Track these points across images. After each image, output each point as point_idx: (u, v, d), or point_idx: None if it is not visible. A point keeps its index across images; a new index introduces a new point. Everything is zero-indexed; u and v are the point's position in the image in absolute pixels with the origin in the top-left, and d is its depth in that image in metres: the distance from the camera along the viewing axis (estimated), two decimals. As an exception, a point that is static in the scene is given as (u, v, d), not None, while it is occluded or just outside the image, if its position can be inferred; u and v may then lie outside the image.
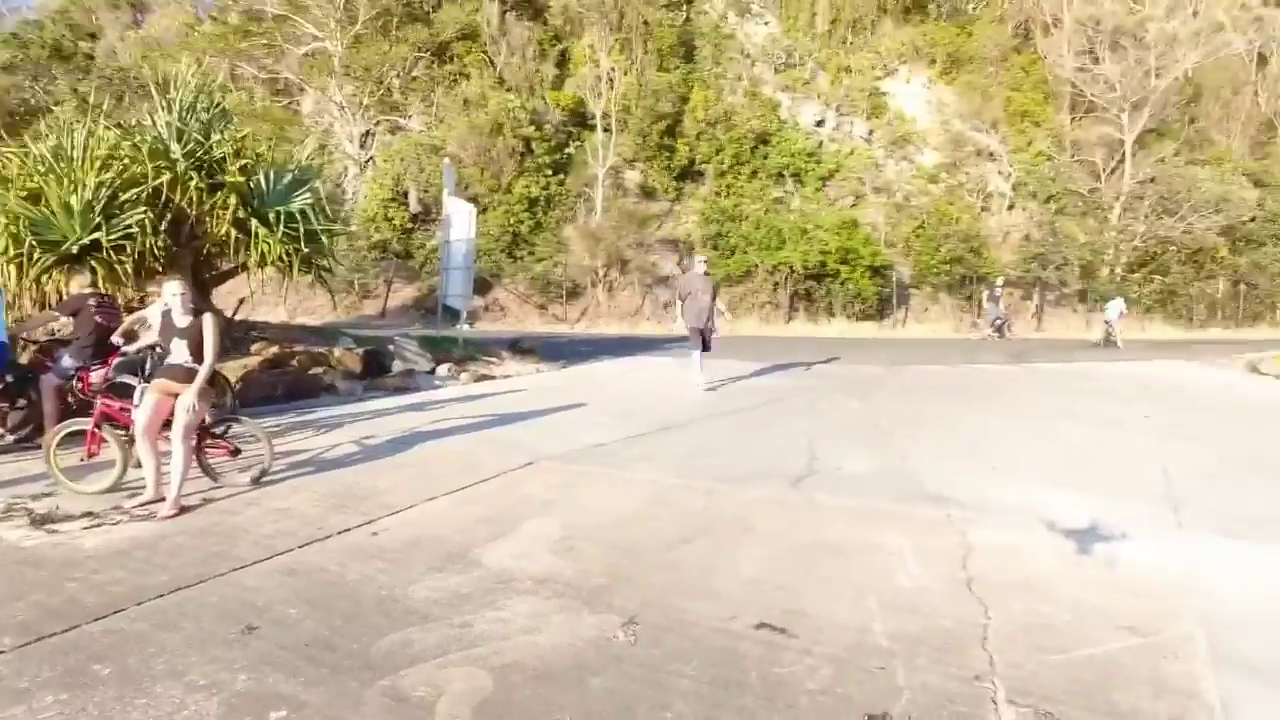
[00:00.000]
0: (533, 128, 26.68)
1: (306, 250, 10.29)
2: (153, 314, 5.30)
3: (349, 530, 4.54)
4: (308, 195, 10.45)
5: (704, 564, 4.04)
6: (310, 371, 10.47)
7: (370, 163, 29.73)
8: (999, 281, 23.05)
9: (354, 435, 7.35)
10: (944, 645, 3.11)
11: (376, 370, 11.38)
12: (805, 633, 3.22)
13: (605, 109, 26.68)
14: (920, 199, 27.03)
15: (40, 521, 4.72)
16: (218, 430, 5.66)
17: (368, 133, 30.39)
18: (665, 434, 7.65)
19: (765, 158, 27.11)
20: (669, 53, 28.43)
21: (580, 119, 28.26)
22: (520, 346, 14.78)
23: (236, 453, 5.69)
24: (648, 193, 28.05)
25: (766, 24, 30.41)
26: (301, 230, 10.01)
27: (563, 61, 29.88)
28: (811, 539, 4.47)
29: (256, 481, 5.54)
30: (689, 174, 27.75)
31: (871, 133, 28.59)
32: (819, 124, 28.59)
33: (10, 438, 7.09)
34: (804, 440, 7.26)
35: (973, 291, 24.98)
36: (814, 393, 10.60)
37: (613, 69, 26.99)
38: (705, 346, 10.57)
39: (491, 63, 29.10)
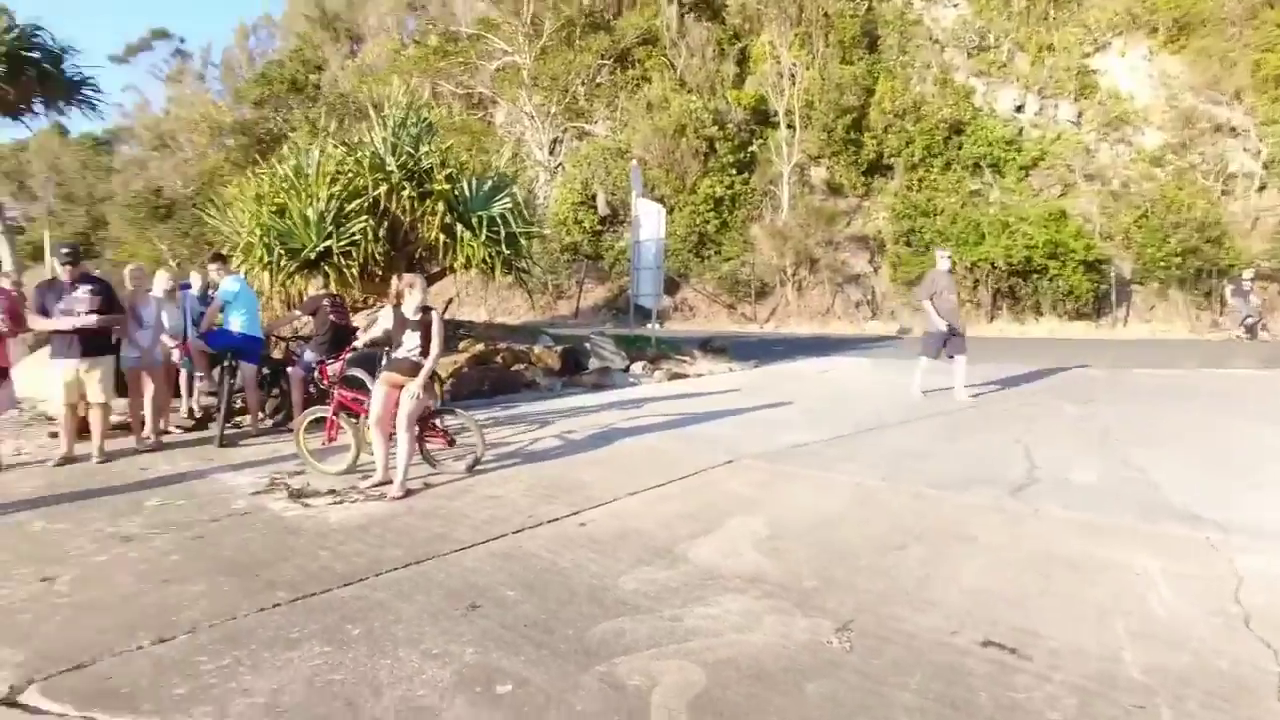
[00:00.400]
0: (715, 127, 26.70)
1: (507, 253, 10.90)
2: (385, 314, 5.82)
3: (558, 520, 4.74)
4: (506, 200, 11.07)
5: (920, 572, 3.84)
6: (513, 368, 11.10)
7: (560, 168, 31.07)
8: (1248, 274, 19.55)
9: (556, 429, 7.70)
10: (1223, 691, 2.69)
11: (574, 367, 11.85)
12: (1040, 655, 2.95)
13: (788, 105, 26.20)
14: (1142, 185, 24.20)
15: (296, 495, 5.36)
16: (437, 421, 6.11)
17: (556, 140, 31.78)
18: (867, 435, 7.39)
19: (959, 148, 25.33)
20: (852, 44, 27.39)
21: (763, 117, 27.94)
22: (712, 346, 14.85)
23: (453, 442, 6.12)
24: (834, 189, 27.22)
25: (956, 6, 28.51)
26: (502, 234, 10.63)
27: (742, 60, 29.66)
28: (1041, 552, 4.11)
29: (471, 470, 5.94)
30: (877, 168, 26.55)
31: (1080, 115, 25.97)
32: (1018, 109, 26.36)
33: (268, 422, 8.09)
34: (1019, 446, 6.72)
35: (1212, 287, 21.81)
36: (1024, 396, 9.84)
37: (794, 64, 26.44)
38: (959, 349, 9.60)
39: (672, 65, 29.47)
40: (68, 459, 6.42)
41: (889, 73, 26.80)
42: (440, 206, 10.52)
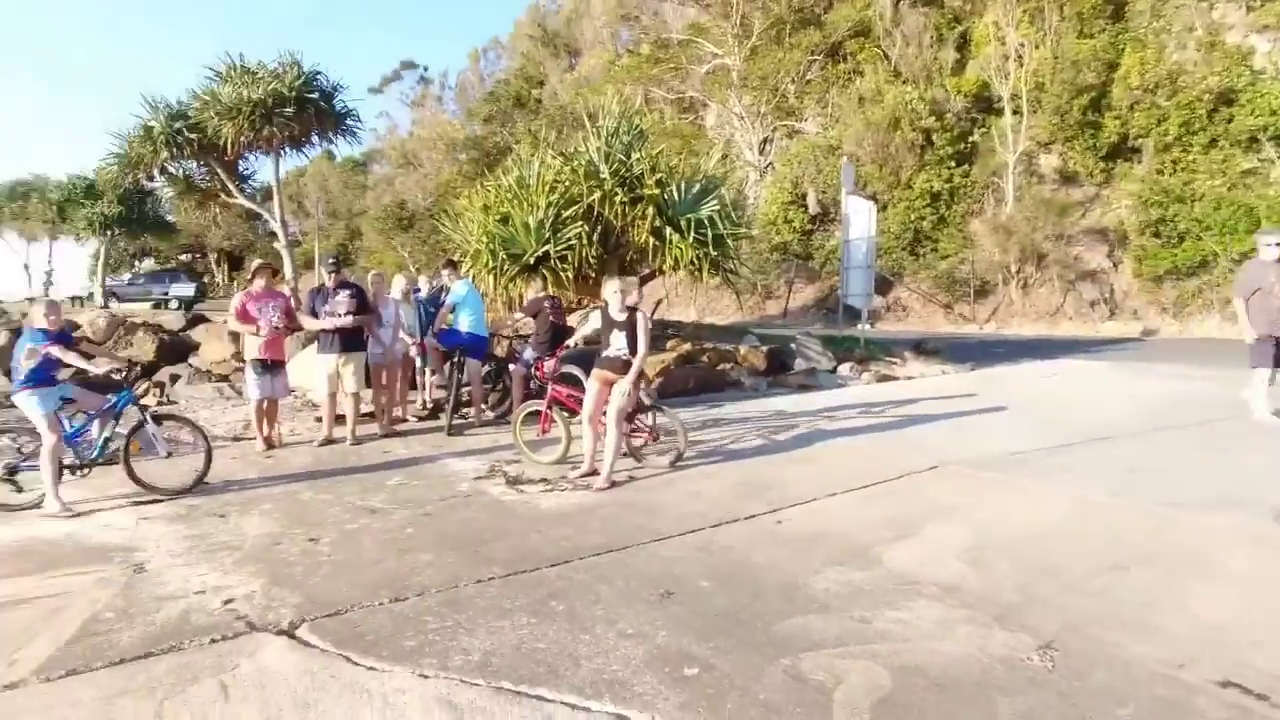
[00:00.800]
0: (932, 118, 25.30)
1: (714, 254, 11.08)
2: (595, 315, 6.17)
3: (755, 516, 4.79)
4: (715, 202, 11.25)
5: (1143, 597, 3.47)
6: (718, 367, 11.26)
7: (769, 168, 30.91)
8: None
9: (758, 429, 7.73)
10: None
11: (779, 368, 11.81)
12: (1297, 705, 2.56)
13: (1014, 89, 24.19)
14: None
15: (512, 482, 5.84)
16: (644, 417, 6.37)
17: (766, 139, 31.66)
18: (1096, 445, 6.71)
19: (1229, 121, 21.79)
20: (1092, 14, 24.67)
21: (985, 104, 26.04)
22: (925, 347, 14.15)
23: (657, 438, 6.36)
24: (1068, 177, 24.73)
25: (1230, -47, 24.82)
26: (710, 235, 10.82)
27: (963, 45, 27.81)
28: (1305, 587, 3.56)
29: (674, 465, 6.14)
30: (1119, 152, 23.64)
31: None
32: (1314, 70, 22.33)
33: (491, 414, 8.82)
34: (1288, 463, 5.84)
35: None
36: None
37: (1021, 44, 24.38)
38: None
39: (886, 56, 28.31)
40: (328, 440, 7.41)
41: (1138, 42, 23.77)
42: (650, 211, 10.90)
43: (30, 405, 5.15)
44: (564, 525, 4.71)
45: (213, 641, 3.13)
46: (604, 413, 5.78)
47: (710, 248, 10.87)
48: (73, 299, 31.35)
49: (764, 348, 12.35)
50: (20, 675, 2.88)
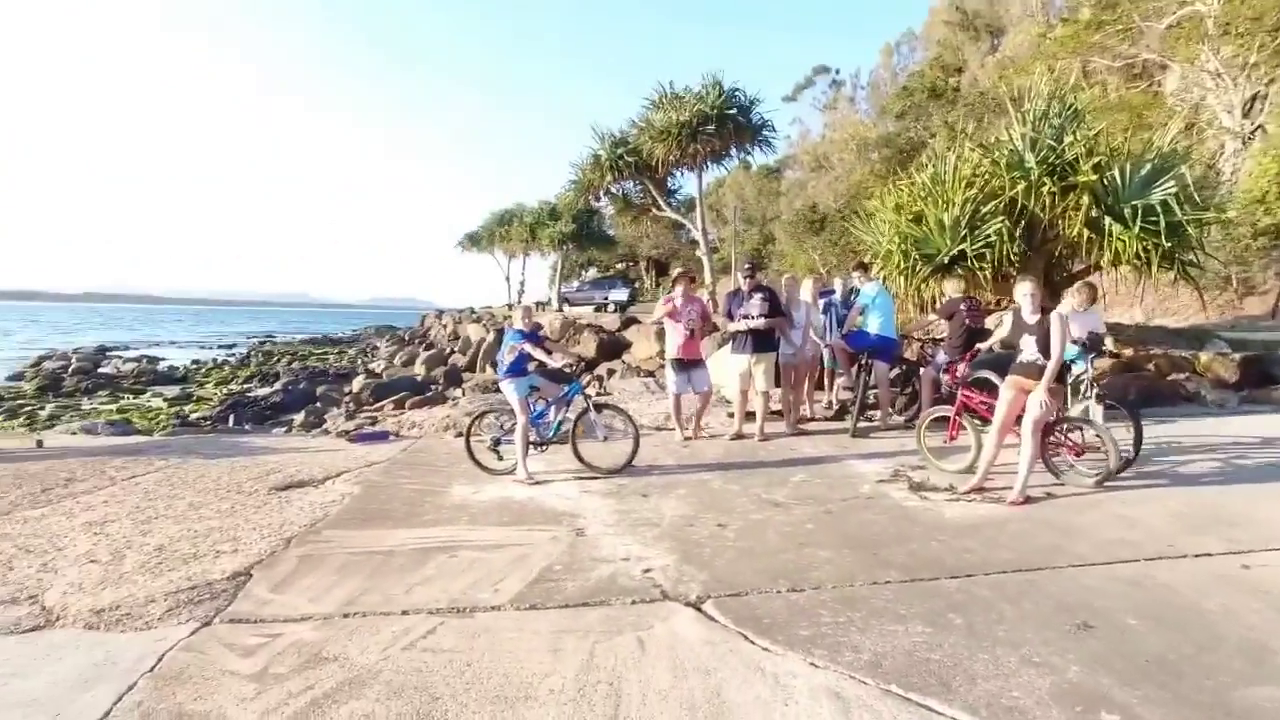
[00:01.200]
0: None
1: (1167, 245, 9.44)
2: (1007, 318, 5.72)
3: (1209, 555, 4.04)
4: (1170, 184, 9.56)
5: None
6: (1169, 377, 9.61)
7: (1257, 132, 25.07)
8: None
9: (1218, 451, 6.48)
10: None
11: (1258, 380, 9.66)
12: None
13: None
14: None
15: (916, 487, 5.70)
16: (1064, 428, 5.72)
17: (1254, 98, 25.70)
18: None
19: None
20: None
21: None
22: None
23: (1082, 453, 5.67)
24: None
25: None
26: (1162, 223, 9.24)
27: None
28: None
29: (1100, 484, 5.42)
30: None
31: None
32: None
33: (898, 418, 8.64)
34: None
35: None
36: None
37: None
38: None
39: None
40: (738, 435, 7.94)
41: None
42: (1085, 200, 9.67)
43: (509, 390, 6.45)
44: (968, 537, 4.47)
45: (633, 603, 3.62)
46: (1018, 422, 5.33)
47: (1162, 237, 9.26)
48: (536, 304, 38.24)
49: (1235, 355, 10.16)
50: (500, 601, 3.66)
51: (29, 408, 20.16)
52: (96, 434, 11.41)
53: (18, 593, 3.96)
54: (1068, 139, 10.04)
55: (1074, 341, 6.91)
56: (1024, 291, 5.43)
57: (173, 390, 24.57)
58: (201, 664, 3.08)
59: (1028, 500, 5.15)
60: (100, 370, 30.68)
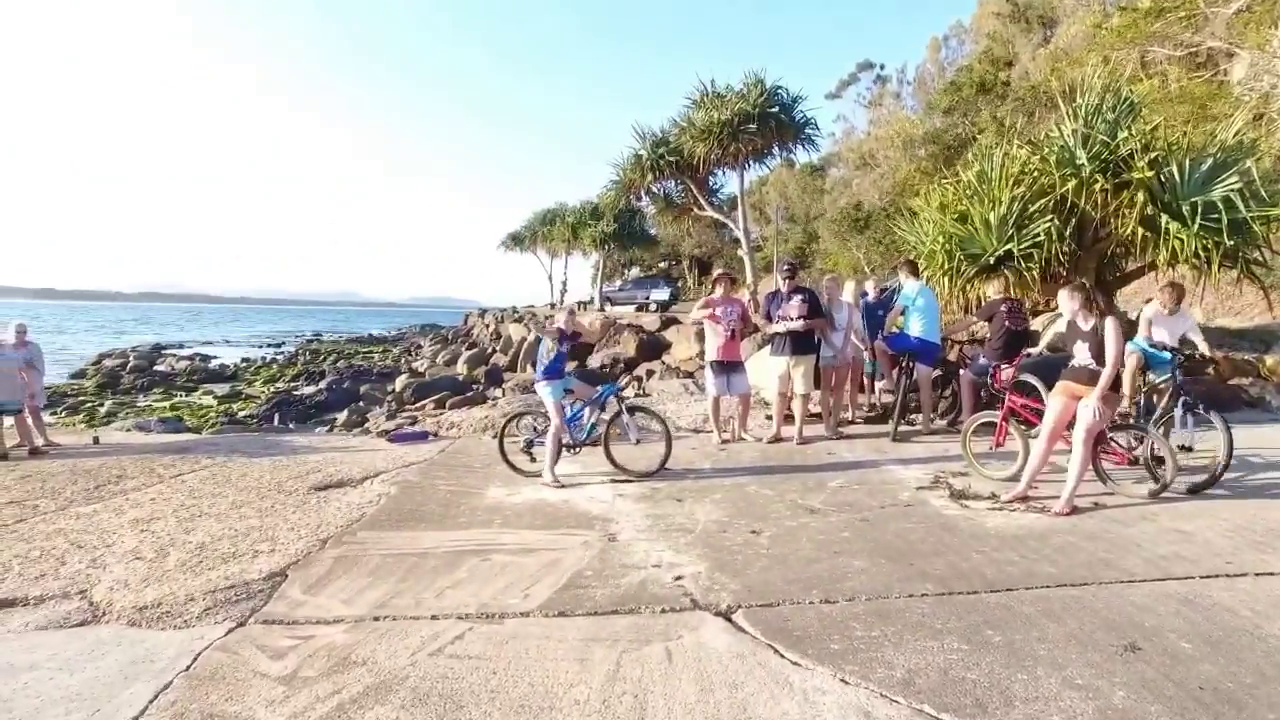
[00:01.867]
0: None
1: (1230, 243, 9.04)
2: (1059, 320, 5.53)
3: (1271, 575, 3.84)
4: (1233, 180, 9.15)
5: None
6: (1230, 381, 9.23)
7: (1339, 121, 23.88)
8: None
9: (1283, 460, 6.18)
10: None
11: (1330, 386, 9.23)
12: None
13: None
14: None
15: (957, 495, 5.55)
16: (1116, 436, 5.51)
17: (1324, 86, 24.55)
18: None
19: None
20: None
21: None
22: None
23: (1134, 462, 5.46)
24: None
25: None
26: (1224, 221, 8.86)
27: None
28: None
29: (1154, 496, 5.22)
30: None
31: None
32: None
33: (940, 422, 8.45)
34: None
35: None
36: None
37: None
38: None
39: None
40: (776, 438, 7.84)
41: None
42: (1140, 197, 9.31)
43: (545, 393, 6.44)
44: (1011, 548, 4.32)
45: (663, 611, 3.57)
46: (1068, 429, 5.15)
47: (1224, 235, 8.87)
48: (579, 304, 38.43)
49: (1306, 358, 9.73)
50: (529, 607, 3.64)
51: (89, 404, 20.84)
52: (149, 431, 11.73)
53: (69, 587, 4.09)
54: (1122, 134, 9.68)
55: (1163, 347, 6.69)
56: (1067, 298, 5.27)
57: (223, 388, 25.21)
58: (234, 665, 3.12)
59: (1074, 511, 4.97)
60: (155, 368, 31.64)
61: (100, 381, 26.35)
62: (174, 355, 39.48)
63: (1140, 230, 9.27)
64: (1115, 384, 5.24)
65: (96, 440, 9.60)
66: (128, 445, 9.04)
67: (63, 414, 18.55)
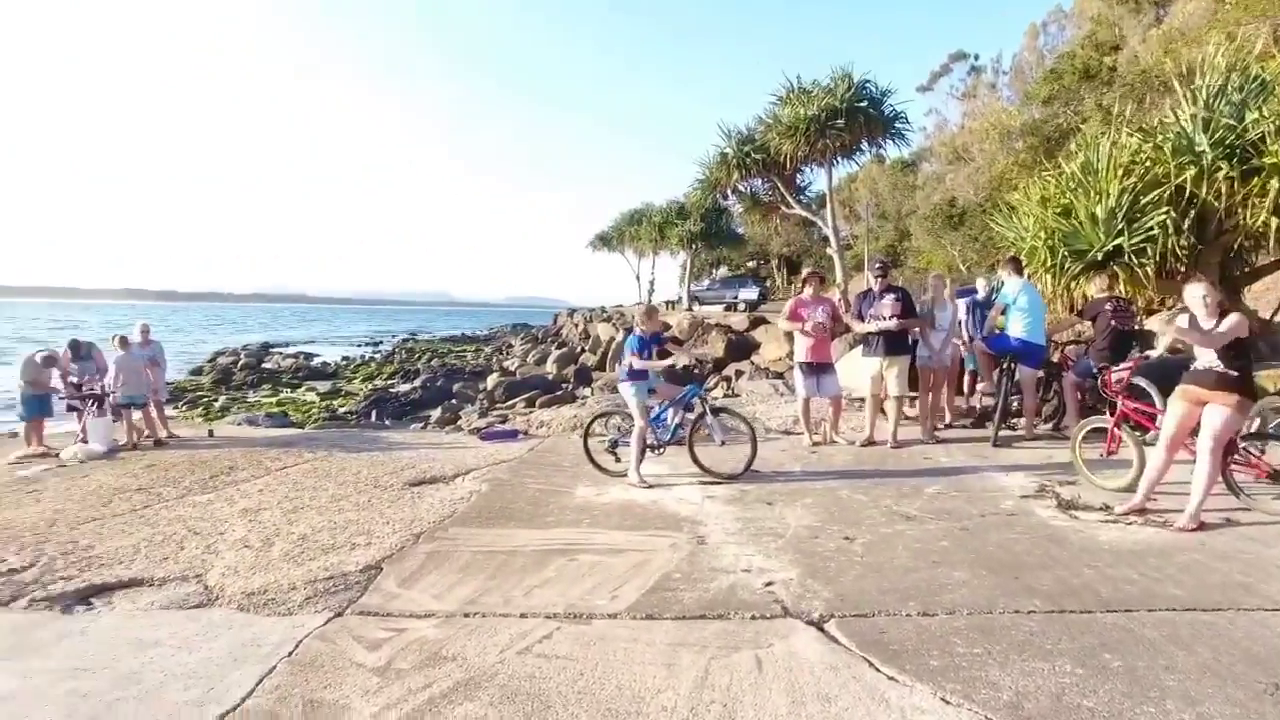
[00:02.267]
0: None
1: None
2: (1181, 319, 5.12)
3: None
4: (1379, 164, 8.36)
5: None
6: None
7: None
8: None
9: None
10: None
11: None
12: None
13: None
14: None
15: (1065, 505, 5.23)
16: (1248, 446, 5.08)
17: None
18: None
19: None
20: None
21: None
22: None
23: (1275, 476, 5.00)
24: None
25: None
26: (1372, 208, 8.10)
27: None
28: None
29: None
30: None
31: None
32: None
33: (1044, 426, 8.03)
34: None
35: None
36: None
37: None
38: None
39: None
40: (869, 441, 7.60)
41: None
42: (1273, 184, 8.58)
43: (630, 394, 6.40)
44: (1128, 565, 4.03)
45: (753, 618, 3.48)
46: (1190, 437, 4.78)
47: (1370, 226, 8.12)
48: (666, 303, 38.43)
49: None
50: (617, 609, 3.61)
51: (206, 399, 22.15)
52: (257, 425, 12.35)
53: (187, 571, 4.33)
54: (1251, 116, 8.93)
55: None
56: (1197, 295, 4.83)
57: (324, 385, 26.38)
58: (332, 654, 3.20)
59: (1202, 526, 4.60)
60: (264, 365, 33.40)
61: (215, 377, 28.00)
62: (280, 353, 41.52)
63: (1274, 220, 8.56)
64: (1248, 389, 4.82)
65: (211, 433, 10.16)
66: (238, 438, 9.53)
67: (183, 408, 19.74)
